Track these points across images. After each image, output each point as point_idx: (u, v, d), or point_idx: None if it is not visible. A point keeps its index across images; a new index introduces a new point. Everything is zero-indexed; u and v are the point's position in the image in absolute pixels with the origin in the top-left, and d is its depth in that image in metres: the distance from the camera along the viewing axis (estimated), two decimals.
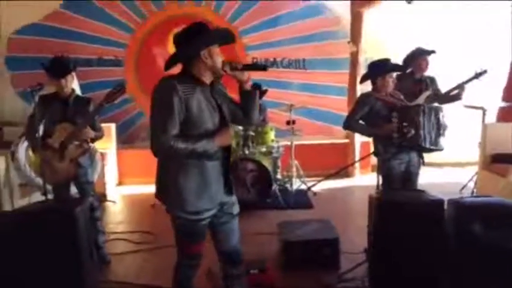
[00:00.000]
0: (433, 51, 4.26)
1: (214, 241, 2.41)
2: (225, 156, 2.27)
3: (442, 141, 3.31)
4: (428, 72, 4.31)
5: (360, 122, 3.43)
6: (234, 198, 2.37)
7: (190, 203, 2.17)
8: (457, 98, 4.29)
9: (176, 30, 6.89)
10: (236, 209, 2.39)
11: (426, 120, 3.21)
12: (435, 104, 3.63)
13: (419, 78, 4.24)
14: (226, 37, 2.27)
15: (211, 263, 3.42)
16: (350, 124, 3.45)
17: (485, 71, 4.17)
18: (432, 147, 3.27)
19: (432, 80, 4.32)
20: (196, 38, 2.14)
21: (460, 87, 4.23)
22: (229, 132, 2.25)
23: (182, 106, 2.08)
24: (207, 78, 2.21)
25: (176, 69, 2.23)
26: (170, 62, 2.22)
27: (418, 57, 4.22)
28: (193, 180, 2.16)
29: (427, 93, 4.11)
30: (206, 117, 2.16)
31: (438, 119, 3.26)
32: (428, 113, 3.23)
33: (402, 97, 3.48)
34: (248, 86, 2.30)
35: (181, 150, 2.08)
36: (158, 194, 2.30)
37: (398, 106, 3.32)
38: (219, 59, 2.18)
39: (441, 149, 3.35)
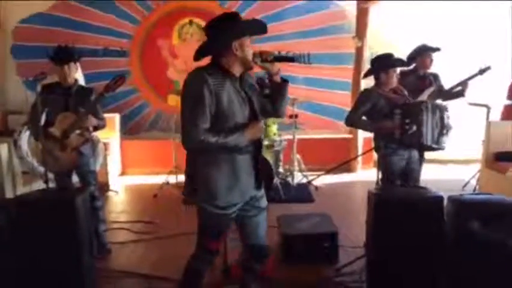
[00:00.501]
0: (438, 49, 4.23)
1: (241, 235, 2.38)
2: (255, 149, 2.23)
3: (445, 140, 3.29)
4: (432, 69, 4.28)
5: (363, 118, 3.41)
6: (262, 191, 2.34)
7: (221, 197, 2.14)
8: (460, 94, 4.26)
9: (182, 22, 6.89)
10: (264, 203, 2.37)
11: (430, 118, 3.19)
12: (441, 103, 3.59)
13: (423, 75, 4.22)
14: (258, 28, 2.20)
15: None
16: (351, 120, 3.42)
17: (488, 67, 4.14)
18: (433, 145, 3.25)
19: (435, 77, 4.30)
20: (227, 29, 2.09)
21: (464, 83, 4.20)
22: (260, 125, 2.20)
23: (213, 99, 2.05)
24: (237, 70, 2.16)
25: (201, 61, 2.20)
26: (200, 53, 2.18)
27: (423, 53, 4.19)
28: (223, 174, 2.13)
29: (431, 89, 4.09)
30: (236, 110, 2.12)
31: (442, 118, 3.23)
32: (432, 111, 3.20)
33: (406, 93, 3.46)
34: (278, 78, 2.26)
35: (212, 144, 2.05)
36: (187, 187, 2.27)
37: (401, 102, 3.30)
38: (249, 51, 2.15)
39: (442, 148, 3.33)
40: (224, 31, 2.09)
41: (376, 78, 3.37)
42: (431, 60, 4.21)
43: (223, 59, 2.13)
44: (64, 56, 3.41)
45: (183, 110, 2.12)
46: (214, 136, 2.05)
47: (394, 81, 3.33)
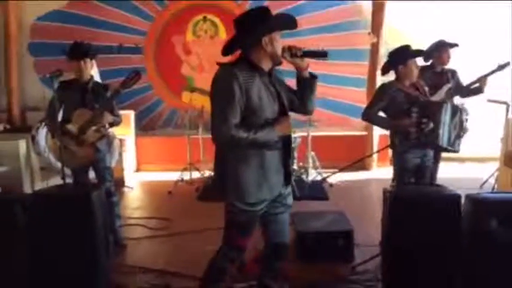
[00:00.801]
0: (456, 44, 4.14)
1: (266, 232, 2.36)
2: (285, 145, 2.21)
3: (460, 143, 3.23)
4: (450, 65, 4.21)
5: (381, 113, 3.35)
6: (289, 188, 2.33)
7: (250, 194, 2.12)
8: (479, 91, 4.18)
9: (196, 19, 6.87)
10: (290, 200, 2.36)
11: (448, 119, 3.12)
12: (463, 105, 3.49)
13: (440, 71, 4.15)
14: (288, 23, 2.19)
15: None
16: (368, 115, 3.35)
17: (508, 63, 4.05)
18: (448, 147, 3.19)
19: (453, 73, 4.22)
20: (257, 24, 2.07)
21: (482, 80, 4.12)
22: (289, 121, 2.19)
23: (243, 94, 2.04)
24: (266, 65, 2.15)
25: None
26: (230, 48, 2.17)
27: (440, 49, 4.11)
28: (253, 171, 2.11)
29: (448, 86, 4.01)
30: (266, 106, 2.10)
31: (461, 121, 3.17)
32: (452, 112, 3.14)
33: (426, 89, 3.38)
34: (306, 73, 2.23)
35: (242, 140, 2.04)
36: (215, 183, 2.27)
37: (421, 100, 3.22)
38: (279, 46, 2.13)
39: (457, 151, 3.27)
40: (254, 26, 2.07)
41: (395, 73, 3.30)
42: (449, 56, 4.14)
43: (253, 54, 2.12)
44: (79, 51, 3.45)
45: (213, 106, 2.11)
46: (244, 132, 2.04)
47: (414, 74, 3.23)
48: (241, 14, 2.17)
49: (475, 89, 4.22)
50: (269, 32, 2.09)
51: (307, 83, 2.26)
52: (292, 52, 2.15)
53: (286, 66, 2.30)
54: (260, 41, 2.08)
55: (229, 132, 2.03)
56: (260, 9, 2.14)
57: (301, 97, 2.29)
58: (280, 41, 2.14)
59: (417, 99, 3.21)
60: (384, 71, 3.40)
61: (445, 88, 4.02)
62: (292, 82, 2.33)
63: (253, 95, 2.06)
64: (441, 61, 4.12)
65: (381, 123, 3.42)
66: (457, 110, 3.16)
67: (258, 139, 2.06)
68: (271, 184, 2.16)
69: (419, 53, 3.34)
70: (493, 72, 4.10)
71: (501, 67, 4.07)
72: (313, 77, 2.26)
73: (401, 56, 3.24)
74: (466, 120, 3.20)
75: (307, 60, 2.21)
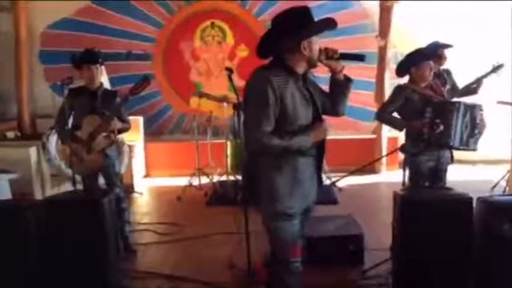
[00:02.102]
0: (450, 45, 4.13)
1: None
2: (318, 152, 2.16)
3: (475, 141, 3.19)
4: (447, 65, 4.20)
5: (395, 114, 3.33)
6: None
7: (283, 202, 2.06)
8: (473, 92, 4.16)
9: (204, 24, 6.89)
10: (313, 207, 2.31)
11: (460, 119, 3.10)
12: (475, 103, 3.45)
13: (437, 72, 4.12)
14: (327, 24, 2.10)
15: (232, 256, 3.47)
16: (381, 116, 3.36)
17: (501, 65, 4.04)
18: (461, 147, 3.16)
19: (448, 73, 4.21)
20: (297, 28, 1.99)
21: (478, 81, 4.11)
22: (324, 126, 2.12)
23: (277, 100, 1.98)
24: (301, 69, 2.08)
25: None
26: (266, 49, 2.09)
27: (435, 50, 4.09)
28: (285, 178, 2.05)
29: (447, 87, 3.99)
30: (300, 110, 2.04)
31: (474, 118, 3.14)
32: (463, 112, 3.12)
33: (442, 89, 3.37)
34: (341, 76, 2.17)
35: (276, 147, 1.99)
36: (247, 190, 2.21)
37: (434, 101, 3.21)
38: (316, 49, 2.07)
39: (473, 149, 3.23)
40: (295, 29, 1.99)
41: (409, 75, 3.29)
42: (445, 57, 4.13)
43: (289, 58, 2.05)
44: (89, 58, 3.48)
45: (246, 112, 2.08)
46: (278, 138, 1.98)
47: (427, 76, 3.22)
48: (281, 13, 2.07)
49: (469, 90, 4.19)
50: (309, 36, 2.03)
51: (341, 85, 2.20)
52: (329, 54, 2.09)
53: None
54: (299, 45, 2.02)
55: (262, 139, 1.98)
56: (301, 10, 2.06)
57: (334, 100, 2.23)
58: (318, 42, 2.09)
59: (431, 99, 3.20)
60: (398, 74, 3.39)
61: (445, 89, 3.99)
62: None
63: (287, 100, 2.00)
64: (437, 62, 4.10)
65: (395, 124, 3.37)
66: (467, 109, 3.13)
67: (292, 146, 2.01)
68: (305, 192, 2.11)
69: (431, 54, 3.34)
70: (488, 74, 4.08)
71: (495, 68, 4.05)
72: (348, 80, 2.20)
73: (414, 58, 3.24)
74: (481, 116, 3.15)
75: (341, 62, 2.15)
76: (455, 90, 4.15)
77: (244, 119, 2.08)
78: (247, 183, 2.20)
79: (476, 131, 3.14)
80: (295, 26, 2.00)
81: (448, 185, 3.37)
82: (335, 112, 2.28)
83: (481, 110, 3.18)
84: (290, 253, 2.14)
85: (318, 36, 2.10)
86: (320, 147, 2.17)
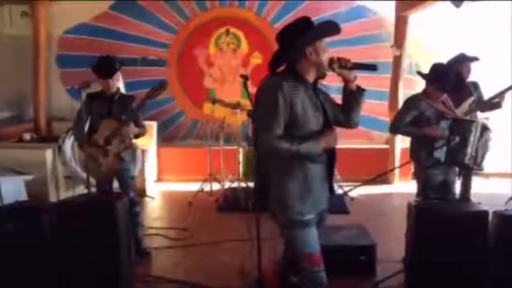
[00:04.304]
0: (476, 58, 4.10)
1: None
2: (329, 159, 2.17)
3: (483, 161, 3.20)
4: (472, 77, 4.16)
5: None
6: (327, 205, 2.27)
7: (293, 207, 2.08)
8: (497, 106, 4.12)
9: (219, 31, 6.96)
10: (326, 216, 2.31)
11: (477, 139, 3.09)
12: (486, 124, 3.42)
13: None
14: (329, 29, 2.13)
15: (243, 263, 3.46)
16: (396, 128, 3.34)
17: None
18: (475, 167, 3.16)
19: (475, 86, 4.18)
20: (299, 35, 2.05)
21: (501, 95, 4.06)
22: (335, 133, 2.14)
23: (287, 106, 2.01)
24: (311, 76, 2.13)
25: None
26: (275, 63, 2.15)
27: (460, 63, 4.06)
28: (296, 184, 2.08)
29: (471, 99, 3.95)
30: (310, 117, 2.07)
31: (487, 140, 3.13)
32: (480, 132, 3.11)
33: (451, 104, 3.35)
34: (354, 85, 2.19)
35: (285, 151, 2.02)
36: (259, 195, 2.24)
37: (450, 117, 3.19)
38: (325, 55, 2.10)
39: (482, 170, 3.23)
40: (296, 37, 2.04)
41: (426, 87, 3.28)
42: (469, 70, 4.11)
43: (298, 66, 2.10)
44: (107, 68, 3.53)
45: (257, 116, 2.12)
46: (287, 143, 2.01)
47: (443, 97, 3.25)
48: (283, 27, 2.14)
49: (493, 104, 4.15)
50: (312, 42, 2.06)
51: (354, 95, 2.21)
52: (342, 64, 2.11)
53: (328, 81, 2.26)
54: (304, 52, 2.06)
55: (272, 142, 2.01)
56: (301, 20, 2.12)
57: (346, 110, 2.24)
58: (326, 49, 2.11)
59: (444, 114, 3.18)
60: (421, 76, 3.38)
61: (469, 101, 3.96)
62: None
63: (298, 106, 2.03)
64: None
65: (411, 132, 3.34)
66: (484, 129, 3.12)
67: (301, 151, 2.02)
68: (315, 198, 2.11)
69: (454, 88, 3.27)
70: (510, 88, 4.03)
71: None
72: (361, 90, 2.21)
73: (440, 82, 3.20)
74: (490, 138, 3.15)
75: (354, 72, 2.16)
76: (480, 104, 4.11)
77: (255, 124, 2.12)
78: (258, 187, 2.24)
79: (487, 152, 3.14)
80: (297, 34, 2.05)
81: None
82: (349, 122, 2.28)
83: (491, 132, 3.17)
84: (314, 262, 2.14)
85: (332, 45, 2.11)
86: (331, 155, 2.17)
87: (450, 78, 3.22)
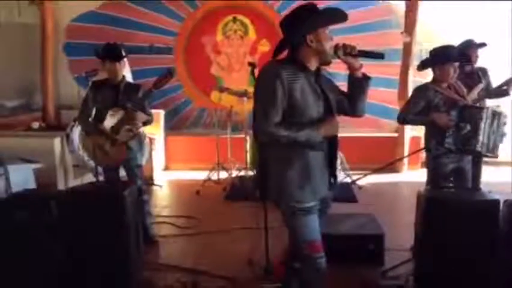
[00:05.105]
0: (484, 44, 4.03)
1: None
2: (331, 147, 2.15)
3: (498, 148, 3.13)
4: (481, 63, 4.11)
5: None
6: (331, 192, 2.25)
7: (292, 195, 2.07)
8: (505, 93, 4.06)
9: (226, 19, 6.90)
10: (330, 203, 2.29)
11: (488, 126, 3.03)
12: (501, 109, 3.36)
13: (470, 71, 4.03)
14: (334, 17, 2.08)
15: (251, 253, 3.47)
16: (404, 118, 3.29)
17: None
18: (488, 154, 3.09)
19: (484, 72, 4.11)
20: (300, 22, 2.02)
21: (508, 83, 4.00)
22: (336, 122, 2.11)
23: (286, 92, 2.00)
24: (313, 64, 2.09)
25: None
26: (278, 49, 2.14)
27: (468, 49, 3.99)
28: (295, 171, 2.06)
29: (480, 86, 3.88)
30: (310, 105, 2.05)
31: (499, 125, 3.07)
32: (491, 118, 3.04)
33: (465, 91, 3.28)
34: (359, 73, 2.14)
35: (283, 138, 2.01)
36: (258, 183, 2.24)
37: (460, 104, 3.13)
38: (328, 43, 2.05)
39: (496, 157, 3.16)
40: (297, 24, 2.03)
41: (433, 72, 3.21)
42: (477, 56, 4.06)
43: (300, 53, 2.07)
44: (113, 54, 3.51)
45: (255, 103, 2.11)
46: (285, 130, 2.00)
47: (450, 77, 3.14)
48: (285, 15, 2.11)
49: (501, 91, 4.08)
50: (313, 30, 2.02)
51: (359, 83, 2.16)
52: (347, 50, 2.06)
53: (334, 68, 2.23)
54: (305, 39, 2.03)
55: (269, 129, 2.01)
56: (304, 7, 2.08)
57: (352, 98, 2.19)
58: (330, 37, 2.06)
59: (455, 102, 3.12)
60: (420, 69, 3.33)
61: (477, 89, 3.89)
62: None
63: (297, 93, 2.01)
64: (468, 62, 4.00)
65: (419, 121, 3.30)
66: (495, 115, 3.05)
67: (299, 138, 2.01)
68: (315, 186, 2.09)
69: (458, 56, 3.23)
70: None
71: None
72: (366, 78, 2.16)
73: (440, 57, 3.15)
74: (505, 123, 3.08)
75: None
76: (488, 91, 4.05)
77: (253, 110, 2.10)
78: (258, 175, 2.24)
79: (499, 138, 3.07)
80: (299, 22, 2.03)
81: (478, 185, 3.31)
82: (354, 111, 2.25)
83: (505, 117, 3.10)
84: (314, 249, 2.12)
85: (340, 31, 2.07)
86: (332, 143, 2.15)
87: (449, 50, 3.16)
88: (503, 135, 3.10)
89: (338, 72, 2.42)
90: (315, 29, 2.03)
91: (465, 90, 3.28)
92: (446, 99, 3.12)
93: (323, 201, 2.20)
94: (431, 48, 3.29)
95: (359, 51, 2.09)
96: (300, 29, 2.02)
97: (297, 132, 2.01)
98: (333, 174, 2.18)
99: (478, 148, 3.01)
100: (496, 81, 4.22)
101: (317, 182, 2.10)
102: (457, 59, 3.18)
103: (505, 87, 4.06)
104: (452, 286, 2.53)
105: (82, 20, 6.97)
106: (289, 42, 2.08)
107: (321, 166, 2.11)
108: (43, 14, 6.67)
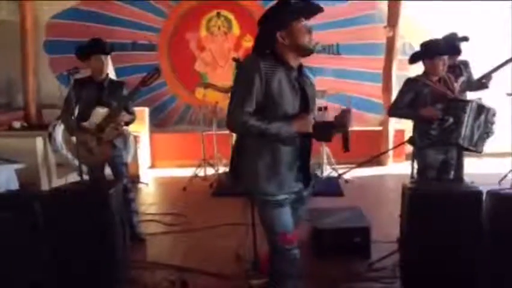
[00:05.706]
0: (466, 38, 4.08)
1: None
2: (304, 144, 2.15)
3: (483, 143, 3.17)
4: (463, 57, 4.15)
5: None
6: (309, 190, 2.26)
7: (260, 185, 2.10)
8: (484, 86, 4.12)
9: (210, 15, 6.84)
10: (308, 198, 2.29)
11: (471, 119, 3.06)
12: (490, 106, 3.40)
13: (452, 64, 4.08)
14: (305, 10, 2.07)
15: (239, 247, 3.47)
16: (394, 112, 3.34)
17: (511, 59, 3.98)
18: (470, 147, 3.13)
19: (465, 65, 4.16)
20: (270, 20, 2.06)
21: (487, 76, 4.06)
22: (309, 119, 2.10)
23: (262, 85, 2.01)
24: (292, 59, 2.10)
25: None
26: (256, 47, 2.14)
27: (452, 44, 4.03)
28: (263, 163, 2.08)
29: (462, 78, 3.94)
30: (286, 99, 2.06)
31: (486, 121, 3.11)
32: (477, 112, 3.08)
33: (455, 84, 3.32)
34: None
35: (254, 128, 2.02)
36: (231, 172, 2.26)
37: (447, 97, 3.16)
38: (304, 36, 2.05)
39: (479, 152, 3.21)
40: (267, 23, 2.07)
41: (423, 65, 3.25)
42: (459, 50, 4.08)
43: (277, 48, 2.09)
44: (97, 48, 3.46)
45: (232, 93, 2.12)
46: (257, 121, 2.02)
47: (439, 70, 3.18)
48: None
49: (481, 84, 4.15)
50: (283, 27, 2.04)
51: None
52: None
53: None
54: (276, 38, 2.05)
55: (241, 118, 2.02)
56: (277, 4, 2.09)
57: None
58: (308, 29, 2.06)
59: (442, 95, 3.16)
60: (411, 62, 3.36)
61: (459, 81, 3.94)
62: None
63: (274, 87, 2.02)
64: (452, 55, 4.05)
65: (410, 116, 3.35)
66: (482, 110, 3.09)
67: (270, 130, 2.02)
68: (281, 179, 2.10)
69: (447, 49, 3.27)
70: (497, 68, 4.03)
71: (506, 62, 4.00)
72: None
73: (429, 50, 3.19)
74: (493, 123, 3.12)
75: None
76: (469, 84, 4.10)
77: (229, 101, 2.11)
78: (231, 166, 2.25)
79: (486, 135, 3.12)
80: (268, 20, 2.08)
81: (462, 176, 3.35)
82: None
83: (495, 114, 3.14)
84: (286, 241, 2.15)
85: (323, 26, 2.08)
86: (306, 140, 2.16)
87: (439, 44, 3.21)
88: (489, 132, 3.14)
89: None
90: (285, 26, 2.04)
91: (455, 84, 3.32)
92: (433, 92, 3.16)
93: (297, 196, 2.20)
94: (421, 42, 3.32)
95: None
96: (270, 27, 2.06)
97: (269, 124, 2.02)
98: (305, 170, 2.19)
99: (460, 141, 3.05)
100: (478, 73, 4.28)
101: (284, 176, 2.11)
102: (446, 52, 3.21)
103: (484, 81, 4.12)
104: (437, 276, 2.56)
105: (62, 17, 6.87)
106: (262, 43, 2.10)
107: (290, 161, 2.12)
108: (22, 11, 6.53)
